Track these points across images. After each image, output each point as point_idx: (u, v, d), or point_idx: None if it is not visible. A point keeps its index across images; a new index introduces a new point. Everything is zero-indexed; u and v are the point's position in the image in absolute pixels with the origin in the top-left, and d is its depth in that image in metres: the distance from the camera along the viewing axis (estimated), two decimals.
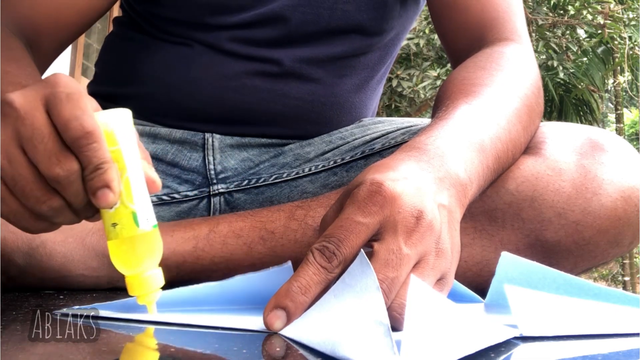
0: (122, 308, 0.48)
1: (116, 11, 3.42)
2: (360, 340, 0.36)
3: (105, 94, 0.84)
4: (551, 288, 0.50)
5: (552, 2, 5.75)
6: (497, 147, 0.60)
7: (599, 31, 5.67)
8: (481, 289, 0.56)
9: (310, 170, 0.82)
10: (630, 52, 5.94)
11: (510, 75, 0.70)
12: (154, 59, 0.83)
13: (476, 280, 0.66)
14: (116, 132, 0.45)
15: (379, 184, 0.47)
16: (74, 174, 0.43)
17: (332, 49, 0.82)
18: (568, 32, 5.92)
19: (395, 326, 0.42)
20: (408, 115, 5.65)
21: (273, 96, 0.81)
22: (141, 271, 0.45)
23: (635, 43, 5.98)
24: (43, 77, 0.72)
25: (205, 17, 0.80)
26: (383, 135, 0.82)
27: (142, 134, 0.81)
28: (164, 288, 0.47)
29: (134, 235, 0.45)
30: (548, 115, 6.22)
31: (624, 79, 6.61)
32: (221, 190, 0.82)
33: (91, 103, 0.45)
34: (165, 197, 0.80)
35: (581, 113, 6.55)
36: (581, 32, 6.23)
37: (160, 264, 0.47)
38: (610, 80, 6.89)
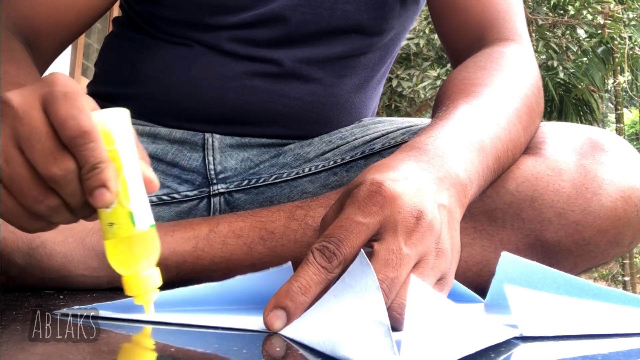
0: (122, 308, 0.48)
1: (116, 11, 3.42)
2: (360, 340, 0.36)
3: (105, 94, 0.84)
4: (551, 288, 0.50)
5: (552, 2, 5.75)
6: (497, 147, 0.60)
7: (599, 31, 5.67)
8: (481, 289, 0.56)
9: (310, 170, 0.82)
10: (630, 52, 5.94)
11: (510, 75, 0.70)
12: (153, 59, 0.83)
13: (476, 280, 0.66)
14: (113, 132, 0.45)
15: (379, 184, 0.47)
16: (71, 174, 0.43)
17: (332, 49, 0.82)
18: (568, 32, 5.92)
19: (395, 326, 0.42)
20: (408, 115, 5.65)
21: (273, 96, 0.81)
22: (138, 271, 0.45)
23: (635, 43, 5.98)
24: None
25: (205, 17, 0.80)
26: (383, 135, 0.82)
27: (142, 134, 0.81)
28: (163, 288, 0.47)
29: (131, 235, 0.44)
30: (548, 115, 6.22)
31: (624, 79, 6.61)
32: (221, 190, 0.82)
33: (89, 102, 0.45)
34: (165, 197, 0.80)
35: (581, 113, 6.55)
36: (581, 32, 6.23)
37: (160, 264, 0.46)
38: (610, 80, 6.89)
